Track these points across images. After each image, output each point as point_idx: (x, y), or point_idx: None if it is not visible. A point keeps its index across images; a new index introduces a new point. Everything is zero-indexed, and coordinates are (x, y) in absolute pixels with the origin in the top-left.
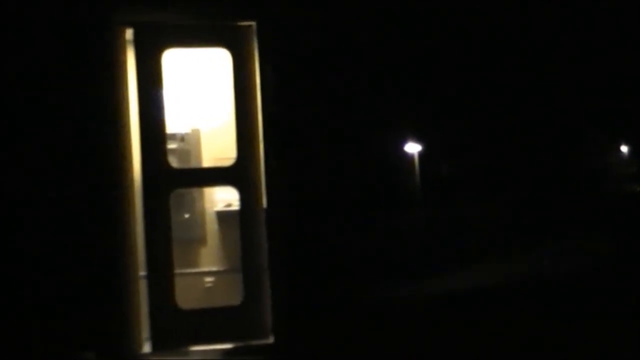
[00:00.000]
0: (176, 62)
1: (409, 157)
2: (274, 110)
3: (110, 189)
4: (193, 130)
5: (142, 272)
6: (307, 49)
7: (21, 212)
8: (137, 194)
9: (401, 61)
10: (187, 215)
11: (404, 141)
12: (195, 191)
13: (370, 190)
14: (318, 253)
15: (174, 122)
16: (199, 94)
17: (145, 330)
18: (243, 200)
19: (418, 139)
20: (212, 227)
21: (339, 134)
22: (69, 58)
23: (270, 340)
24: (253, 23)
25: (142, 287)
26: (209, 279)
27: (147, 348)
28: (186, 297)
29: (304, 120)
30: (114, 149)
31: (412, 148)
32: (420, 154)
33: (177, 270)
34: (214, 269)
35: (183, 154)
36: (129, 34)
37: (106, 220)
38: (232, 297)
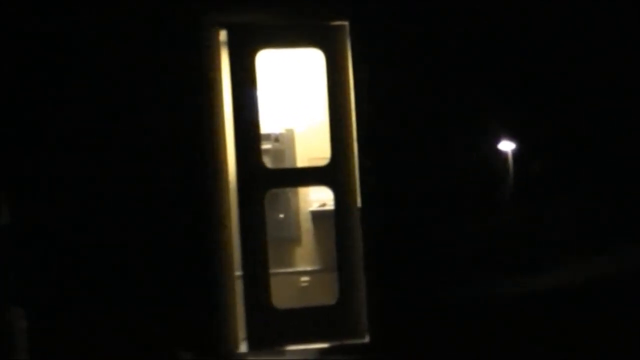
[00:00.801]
0: (269, 62)
1: (503, 154)
2: (368, 110)
3: (206, 190)
4: (287, 131)
5: (238, 272)
6: (400, 48)
7: (119, 214)
8: (232, 195)
9: (496, 58)
10: (281, 215)
11: (498, 138)
12: (289, 191)
13: (465, 188)
14: (413, 251)
15: (268, 122)
16: (293, 94)
17: (241, 330)
18: (337, 199)
19: (513, 137)
20: (306, 226)
21: (432, 131)
22: (163, 60)
23: (366, 339)
24: (346, 23)
25: (238, 287)
26: (304, 278)
27: (243, 348)
28: (282, 297)
29: (398, 118)
30: (209, 150)
31: (507, 145)
32: (515, 151)
33: (273, 270)
34: (309, 268)
35: (277, 154)
36: (223, 35)
37: (202, 221)
38: (327, 296)
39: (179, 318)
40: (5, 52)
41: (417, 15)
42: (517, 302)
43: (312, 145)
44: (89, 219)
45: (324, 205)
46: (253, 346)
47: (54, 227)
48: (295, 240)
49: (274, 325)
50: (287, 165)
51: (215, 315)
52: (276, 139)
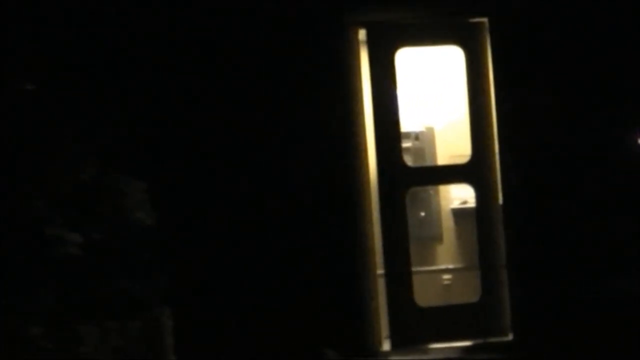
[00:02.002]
0: (409, 60)
1: None
2: (509, 107)
3: (348, 189)
4: (427, 129)
5: (380, 271)
6: (539, 43)
7: (260, 214)
8: (374, 193)
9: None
10: (423, 214)
11: None
12: (430, 189)
13: (607, 184)
14: (555, 249)
15: (408, 120)
16: (432, 92)
17: (384, 329)
18: (479, 197)
19: None
20: (448, 224)
21: (574, 128)
22: (303, 60)
23: (509, 337)
24: (485, 19)
25: (381, 286)
26: (446, 276)
27: (386, 346)
28: (424, 295)
29: (539, 115)
30: (349, 149)
31: None
32: None
33: (415, 268)
34: (451, 266)
35: (418, 152)
36: (362, 34)
37: (344, 220)
38: (470, 294)
39: (323, 317)
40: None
41: (557, 11)
42: None
43: (453, 143)
44: (226, 219)
45: (465, 202)
46: (396, 344)
47: (198, 227)
48: (437, 238)
49: (417, 324)
50: (427, 163)
51: (359, 313)
52: (416, 137)
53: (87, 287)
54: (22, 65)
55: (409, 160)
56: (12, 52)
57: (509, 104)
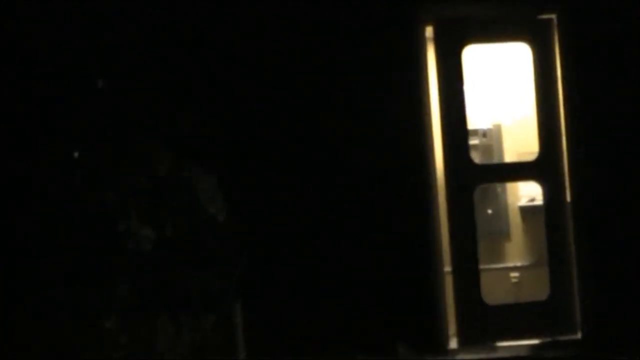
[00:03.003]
0: (476, 56)
1: None
2: (577, 103)
3: (416, 187)
4: (494, 126)
5: (448, 268)
6: (608, 39)
7: (328, 212)
8: (441, 190)
9: None
10: (490, 211)
11: None
12: (498, 186)
13: None
14: (625, 246)
15: (476, 117)
16: (500, 89)
17: (453, 326)
18: (547, 194)
19: None
20: (516, 221)
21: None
22: (372, 58)
23: (578, 335)
24: (553, 16)
25: (449, 283)
26: (514, 274)
27: (454, 343)
28: (492, 293)
29: (607, 111)
30: (418, 147)
31: None
32: None
33: (483, 266)
34: (519, 264)
35: (485, 149)
36: (429, 30)
37: (413, 218)
38: (539, 292)
39: (393, 314)
40: None
41: (627, 7)
42: None
43: (520, 140)
44: (298, 215)
45: (533, 200)
46: (464, 342)
47: (268, 225)
48: (505, 235)
49: (485, 321)
50: (495, 160)
51: (428, 311)
52: (484, 134)
53: (161, 282)
54: (96, 59)
55: (476, 158)
56: (87, 45)
57: (577, 99)
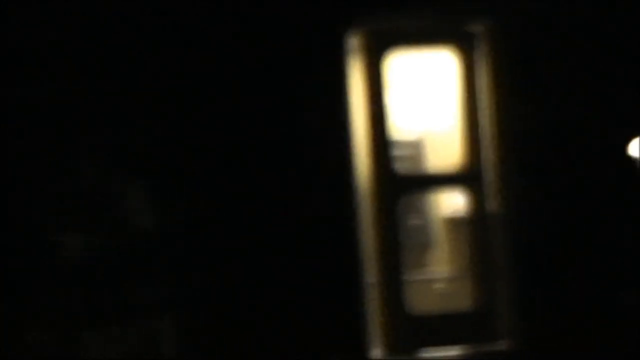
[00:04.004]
0: (401, 66)
1: None
2: (503, 114)
3: (340, 197)
4: (420, 136)
5: (373, 279)
6: (536, 51)
7: (257, 224)
8: (366, 201)
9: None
10: (416, 222)
11: None
12: (424, 197)
13: (607, 191)
14: (552, 257)
15: (402, 128)
16: (427, 99)
17: (376, 336)
18: (471, 205)
19: None
20: (441, 232)
21: (568, 134)
22: (297, 69)
23: (503, 345)
24: (481, 27)
25: (373, 294)
26: (439, 284)
27: (377, 353)
28: (417, 303)
29: (534, 122)
30: (342, 158)
31: None
32: None
33: (408, 276)
34: (445, 274)
35: (410, 160)
36: (354, 41)
37: (338, 228)
38: (464, 302)
39: (317, 325)
40: None
41: (555, 20)
42: None
43: (446, 151)
44: (224, 226)
45: (458, 211)
46: (388, 352)
47: (195, 235)
48: (430, 246)
49: (409, 332)
50: (420, 171)
51: (351, 322)
52: (409, 144)
53: (89, 293)
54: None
55: (401, 168)
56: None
57: (503, 111)
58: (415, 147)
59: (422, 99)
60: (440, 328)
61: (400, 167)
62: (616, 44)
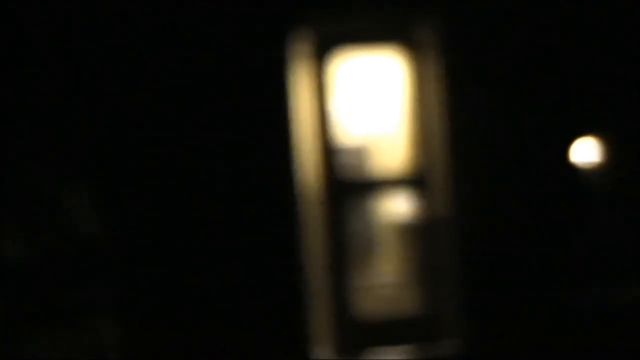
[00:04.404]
0: (348, 68)
1: (595, 162)
2: (450, 117)
3: (285, 202)
4: (366, 140)
5: (318, 284)
6: (486, 55)
7: (201, 229)
8: (311, 207)
9: (593, 65)
10: (362, 227)
11: (589, 147)
12: (370, 202)
13: (553, 195)
14: (498, 261)
15: (347, 131)
16: (372, 102)
17: (320, 341)
18: (418, 210)
19: (604, 145)
20: (388, 237)
21: (516, 137)
22: (241, 70)
23: (450, 350)
24: (431, 27)
25: (318, 299)
26: (385, 289)
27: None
28: (362, 308)
29: (484, 126)
30: (286, 162)
31: (597, 153)
32: (607, 158)
33: (353, 281)
34: (391, 279)
35: (356, 164)
36: (298, 39)
37: (282, 234)
38: (410, 307)
39: (262, 329)
40: None
41: (507, 20)
42: (615, 311)
43: (392, 155)
44: (174, 229)
45: (405, 216)
46: (332, 355)
47: (143, 235)
48: (376, 251)
49: (355, 337)
50: (366, 176)
51: (296, 326)
52: (355, 149)
53: (30, 298)
54: None
55: (347, 173)
56: None
57: (452, 114)
58: (361, 152)
59: (369, 102)
60: (386, 332)
61: (346, 172)
62: (566, 44)
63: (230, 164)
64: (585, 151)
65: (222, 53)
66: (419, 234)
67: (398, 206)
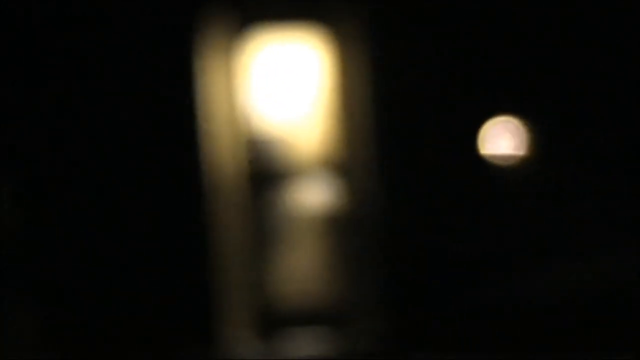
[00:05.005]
0: (264, 51)
1: (514, 152)
2: (376, 105)
3: (194, 193)
4: (285, 128)
5: (231, 277)
6: (411, 38)
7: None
8: (224, 198)
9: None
10: (278, 217)
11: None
12: (283, 194)
13: (467, 187)
14: (414, 255)
15: (264, 119)
16: (291, 88)
17: (231, 334)
18: (336, 201)
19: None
20: (306, 228)
21: (437, 129)
22: (147, 49)
23: (370, 345)
24: (354, 4)
25: (230, 292)
26: (301, 283)
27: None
28: (277, 302)
29: (407, 114)
30: (195, 151)
31: (516, 143)
32: (526, 147)
33: (268, 273)
34: (307, 272)
35: (273, 151)
36: (212, 20)
37: (190, 225)
38: (325, 301)
39: (169, 322)
40: None
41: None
42: (526, 305)
43: (308, 145)
44: (79, 223)
45: (321, 208)
46: (243, 350)
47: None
48: (294, 242)
49: (266, 330)
50: (285, 166)
51: (203, 319)
52: (272, 137)
53: None
54: None
55: (261, 164)
56: None
57: (380, 101)
58: (279, 140)
59: (287, 88)
60: (300, 327)
61: (263, 162)
62: (488, 36)
63: (134, 155)
64: (505, 140)
65: (124, 34)
66: (338, 224)
67: (317, 196)
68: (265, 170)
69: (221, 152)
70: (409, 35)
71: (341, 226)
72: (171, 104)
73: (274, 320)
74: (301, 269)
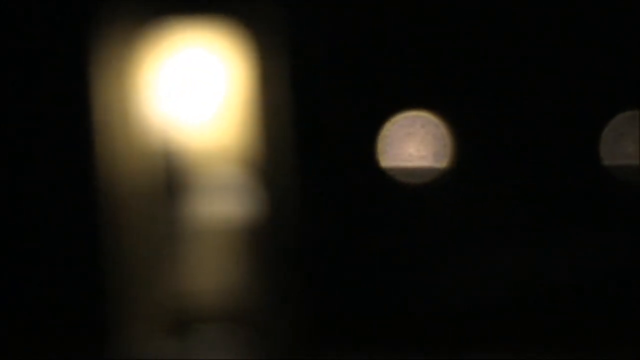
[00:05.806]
0: (172, 45)
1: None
2: (295, 108)
3: (89, 201)
4: (189, 127)
5: (130, 290)
6: (337, 32)
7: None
8: (122, 207)
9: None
10: (185, 224)
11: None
12: (190, 200)
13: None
14: (326, 264)
15: (170, 123)
16: (201, 89)
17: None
18: (242, 211)
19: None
20: (209, 240)
21: (350, 134)
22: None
23: (275, 356)
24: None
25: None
26: (206, 294)
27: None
28: (180, 312)
29: (329, 116)
30: (87, 156)
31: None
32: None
33: (169, 286)
34: (212, 283)
35: (177, 154)
36: (110, 14)
37: (83, 234)
38: (231, 311)
39: (64, 328)
40: None
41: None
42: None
43: (218, 145)
44: None
45: (227, 216)
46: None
47: None
48: (195, 254)
49: (179, 330)
50: (188, 168)
51: (93, 331)
52: (178, 136)
53: None
54: None
55: (165, 172)
56: None
57: (300, 104)
58: (187, 146)
59: (198, 88)
60: (204, 337)
61: (164, 170)
62: (411, 38)
63: (27, 159)
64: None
65: (13, 31)
66: (251, 228)
67: (229, 200)
68: (174, 176)
69: (124, 157)
70: (324, 30)
71: (254, 229)
72: (64, 107)
73: (184, 322)
74: (213, 271)
